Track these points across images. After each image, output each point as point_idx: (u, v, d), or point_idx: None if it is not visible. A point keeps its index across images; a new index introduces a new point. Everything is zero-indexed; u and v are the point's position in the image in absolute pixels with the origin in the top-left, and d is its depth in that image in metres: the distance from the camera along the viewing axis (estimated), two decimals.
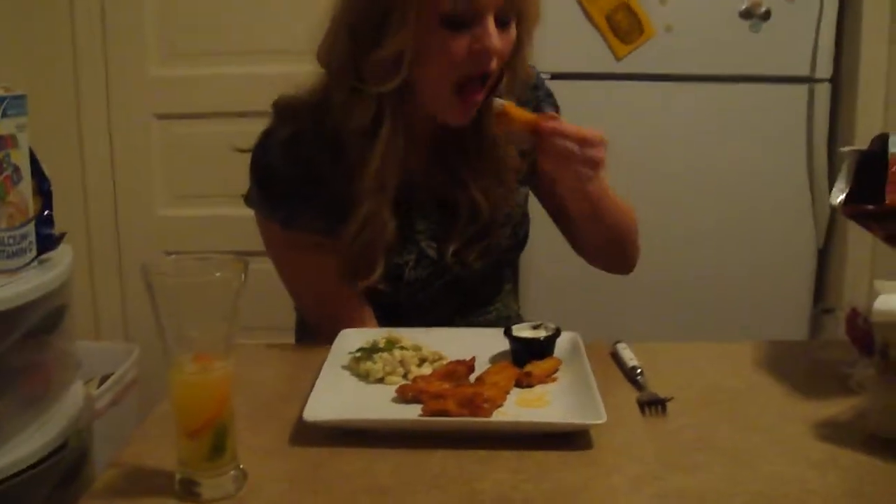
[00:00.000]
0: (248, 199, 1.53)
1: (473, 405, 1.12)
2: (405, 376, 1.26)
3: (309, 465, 1.05)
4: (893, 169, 1.22)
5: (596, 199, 1.49)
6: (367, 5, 1.37)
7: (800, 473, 1.00)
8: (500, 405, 1.16)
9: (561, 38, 2.60)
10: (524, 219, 1.66)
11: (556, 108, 1.65)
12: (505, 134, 1.49)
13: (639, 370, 1.28)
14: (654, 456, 1.06)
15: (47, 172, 1.54)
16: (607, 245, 1.63)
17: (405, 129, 1.44)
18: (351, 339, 1.36)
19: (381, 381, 1.25)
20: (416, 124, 1.49)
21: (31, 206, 1.47)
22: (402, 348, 1.30)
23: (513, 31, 1.41)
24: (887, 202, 1.20)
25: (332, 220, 1.46)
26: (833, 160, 2.78)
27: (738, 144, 2.86)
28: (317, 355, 1.31)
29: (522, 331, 1.34)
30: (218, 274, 0.94)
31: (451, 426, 1.11)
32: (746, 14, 2.78)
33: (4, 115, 1.39)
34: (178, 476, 0.97)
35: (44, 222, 1.52)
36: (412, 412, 1.15)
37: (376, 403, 1.19)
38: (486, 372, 1.25)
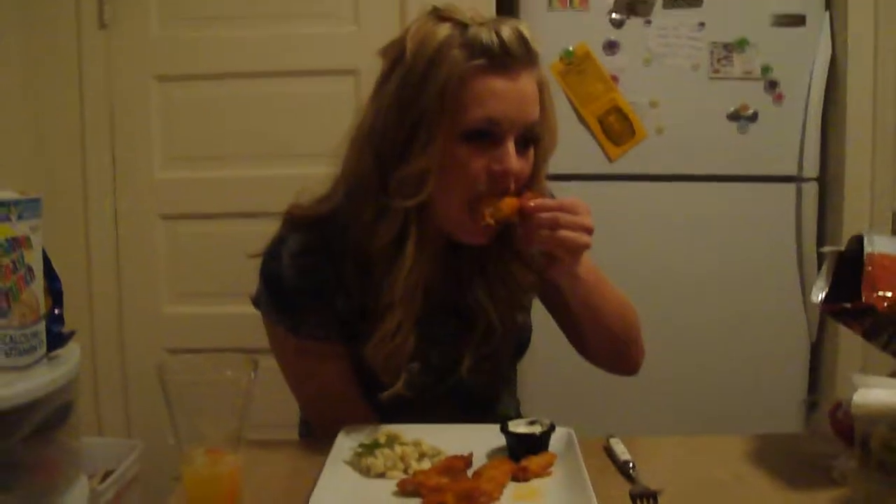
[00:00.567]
0: (256, 302, 1.54)
1: (471, 499, 1.15)
2: (405, 471, 1.28)
3: None
4: (869, 268, 1.27)
5: (592, 284, 1.52)
6: (396, 123, 1.40)
7: None
8: (497, 498, 1.19)
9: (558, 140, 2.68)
10: (527, 327, 1.69)
11: None
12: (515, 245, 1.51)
13: (631, 464, 1.31)
14: None
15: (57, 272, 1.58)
16: (609, 343, 1.63)
17: (426, 242, 1.47)
18: (352, 436, 1.39)
19: (382, 475, 1.28)
20: (433, 237, 1.50)
21: (43, 304, 1.51)
22: (402, 444, 1.33)
23: (531, 154, 1.46)
24: (863, 300, 1.25)
25: (340, 329, 1.49)
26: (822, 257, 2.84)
27: (730, 242, 2.92)
28: (320, 451, 1.34)
29: (518, 426, 1.36)
30: (229, 372, 0.98)
31: None
32: (734, 116, 2.87)
33: (20, 217, 1.44)
34: None
35: (54, 321, 1.56)
36: None
37: (378, 497, 1.22)
38: (484, 466, 1.28)
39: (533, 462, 1.29)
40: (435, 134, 1.38)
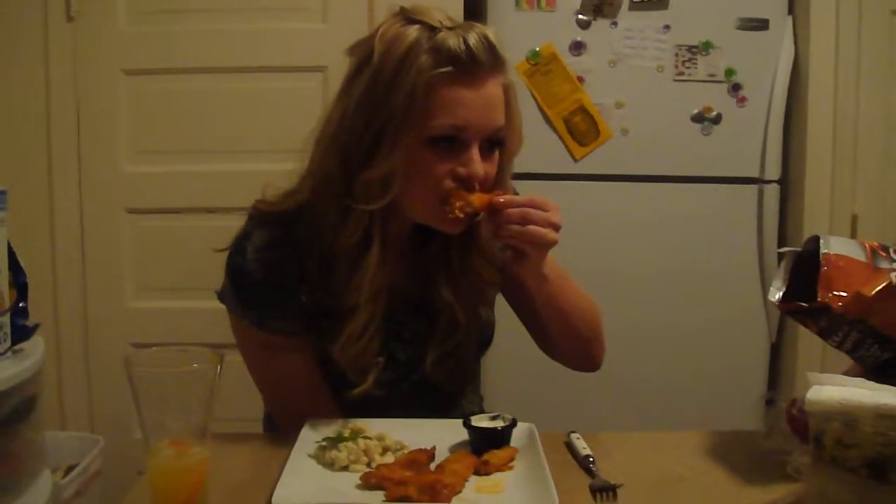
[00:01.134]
0: (222, 296, 1.55)
1: (434, 491, 1.16)
2: (369, 465, 1.30)
3: None
4: (824, 269, 1.30)
5: (556, 283, 1.54)
6: (361, 126, 1.41)
7: None
8: (459, 491, 1.20)
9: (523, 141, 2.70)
10: (491, 323, 1.71)
11: None
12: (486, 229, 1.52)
13: (591, 458, 1.33)
14: None
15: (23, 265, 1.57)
16: (573, 340, 1.65)
17: (390, 242, 1.49)
18: (317, 429, 1.41)
19: (345, 468, 1.29)
20: (397, 236, 1.53)
21: (7, 297, 1.51)
22: (365, 438, 1.34)
23: (496, 157, 1.48)
24: (818, 299, 1.28)
25: (305, 324, 1.50)
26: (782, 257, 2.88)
27: (692, 242, 2.96)
28: (284, 444, 1.35)
29: (481, 421, 1.38)
30: (196, 365, 1.00)
31: None
32: (698, 118, 2.90)
33: None
34: None
35: (19, 314, 1.56)
36: (376, 498, 1.19)
37: (341, 490, 1.23)
38: (446, 460, 1.29)
39: (495, 456, 1.30)
40: (400, 139, 1.39)
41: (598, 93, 2.89)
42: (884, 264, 1.33)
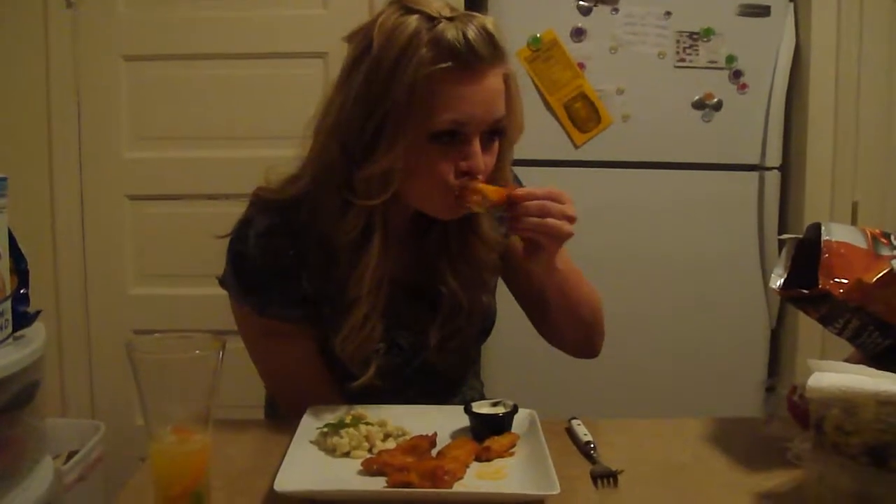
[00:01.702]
0: (223, 282, 1.54)
1: (435, 477, 1.16)
2: (370, 451, 1.30)
3: None
4: (825, 255, 1.30)
5: (566, 273, 1.55)
6: (361, 119, 1.40)
7: None
8: (461, 477, 1.21)
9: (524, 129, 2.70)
10: (492, 308, 1.71)
11: None
12: (484, 215, 1.53)
13: (592, 445, 1.34)
14: None
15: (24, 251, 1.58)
16: (578, 329, 1.66)
17: (391, 231, 1.48)
18: (318, 416, 1.41)
19: (347, 455, 1.29)
20: (399, 226, 1.53)
21: (9, 284, 1.52)
22: (367, 424, 1.35)
23: (496, 146, 1.47)
24: (819, 286, 1.28)
25: (305, 310, 1.50)
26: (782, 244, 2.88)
27: (692, 229, 2.96)
28: (286, 431, 1.36)
29: (482, 407, 1.38)
30: (198, 351, 1.00)
31: (414, 497, 1.15)
32: (699, 104, 2.90)
33: None
34: None
35: (20, 300, 1.56)
36: (377, 484, 1.19)
37: (343, 476, 1.23)
38: (448, 446, 1.30)
39: (496, 442, 1.30)
40: (401, 134, 1.38)
41: (598, 79, 2.89)
42: (885, 251, 1.34)
